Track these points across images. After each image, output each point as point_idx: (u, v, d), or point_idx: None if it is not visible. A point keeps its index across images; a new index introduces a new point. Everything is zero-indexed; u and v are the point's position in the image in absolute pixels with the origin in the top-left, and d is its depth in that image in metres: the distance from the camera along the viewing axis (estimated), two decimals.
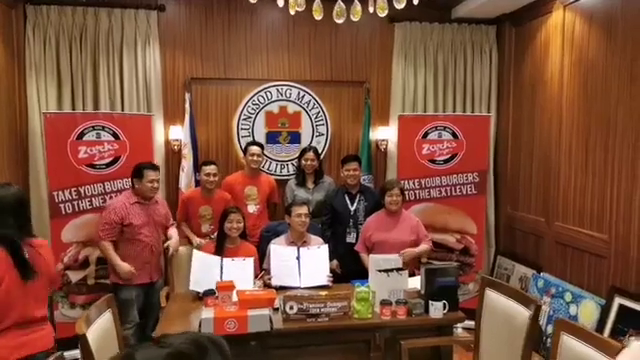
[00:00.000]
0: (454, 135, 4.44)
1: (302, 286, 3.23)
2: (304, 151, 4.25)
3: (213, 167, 3.91)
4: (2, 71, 3.87)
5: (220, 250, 3.37)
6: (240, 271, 3.14)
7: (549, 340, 3.59)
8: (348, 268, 3.66)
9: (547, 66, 4.06)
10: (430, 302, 2.77)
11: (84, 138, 3.91)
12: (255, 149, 4.11)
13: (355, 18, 2.55)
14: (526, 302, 2.33)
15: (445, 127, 4.44)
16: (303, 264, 3.32)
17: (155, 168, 3.54)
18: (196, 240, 3.73)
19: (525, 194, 4.40)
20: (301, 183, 4.22)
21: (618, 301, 3.17)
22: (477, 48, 4.75)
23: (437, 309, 2.75)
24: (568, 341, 1.97)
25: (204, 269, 3.15)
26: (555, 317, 3.58)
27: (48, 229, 3.92)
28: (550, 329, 3.61)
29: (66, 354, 3.73)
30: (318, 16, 2.57)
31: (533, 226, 4.24)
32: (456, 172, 4.44)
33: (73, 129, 3.87)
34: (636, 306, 3.05)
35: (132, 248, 3.44)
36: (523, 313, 2.31)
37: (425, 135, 4.44)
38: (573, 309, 3.50)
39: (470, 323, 3.07)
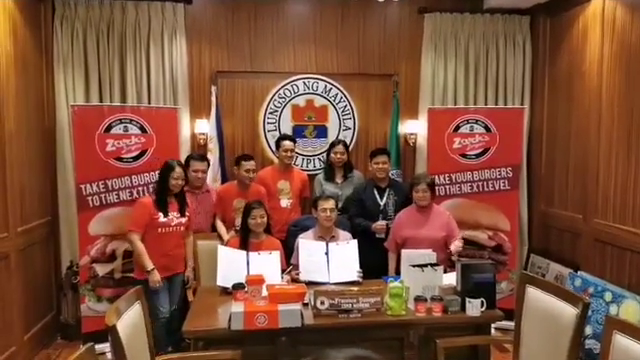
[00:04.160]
0: (487, 128, 4.29)
1: (331, 282, 3.15)
2: (333, 144, 4.17)
3: (252, 163, 3.89)
4: (30, 64, 3.89)
5: (244, 245, 3.31)
6: (267, 265, 3.08)
7: (587, 342, 3.45)
8: (377, 264, 3.55)
9: (585, 58, 3.90)
10: (467, 299, 2.65)
11: (112, 131, 3.88)
12: (288, 144, 4.06)
13: None
14: (572, 300, 2.20)
15: (477, 120, 4.29)
16: (332, 259, 3.24)
17: (201, 159, 3.80)
18: (226, 239, 3.67)
19: (561, 190, 4.24)
20: (330, 178, 4.14)
21: None
22: (510, 39, 4.60)
23: (475, 307, 2.63)
24: (623, 341, 1.84)
25: (231, 264, 3.09)
26: (594, 318, 3.43)
27: (75, 222, 3.92)
28: (588, 330, 3.46)
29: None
30: None
31: (569, 223, 4.08)
32: (488, 167, 4.28)
33: (101, 122, 3.85)
34: None
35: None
36: (569, 311, 2.18)
37: (456, 129, 4.29)
38: (614, 309, 3.34)
39: (504, 323, 2.95)
